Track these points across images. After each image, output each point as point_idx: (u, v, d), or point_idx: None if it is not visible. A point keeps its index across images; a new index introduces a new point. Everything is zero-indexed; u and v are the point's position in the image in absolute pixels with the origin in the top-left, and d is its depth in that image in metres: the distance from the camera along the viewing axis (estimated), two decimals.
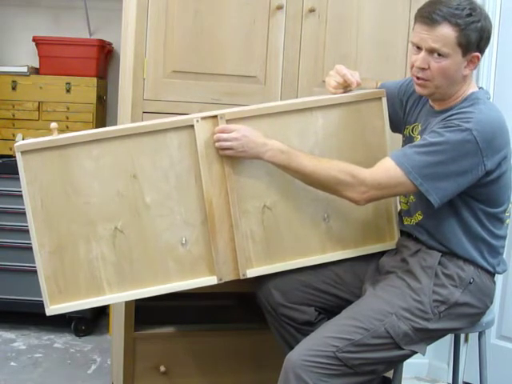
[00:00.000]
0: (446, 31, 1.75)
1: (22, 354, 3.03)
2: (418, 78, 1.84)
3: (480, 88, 1.89)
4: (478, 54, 1.80)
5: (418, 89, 1.86)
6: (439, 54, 1.77)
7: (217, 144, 1.86)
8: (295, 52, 2.30)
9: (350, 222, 1.95)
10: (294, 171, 1.86)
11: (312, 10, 2.28)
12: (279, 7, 2.25)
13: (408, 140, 1.99)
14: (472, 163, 1.76)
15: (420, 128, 1.94)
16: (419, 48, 1.80)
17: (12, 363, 2.93)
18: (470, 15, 1.75)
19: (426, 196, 1.78)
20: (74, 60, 3.42)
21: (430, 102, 1.93)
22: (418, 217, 1.92)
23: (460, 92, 1.85)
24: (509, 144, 1.82)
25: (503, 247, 1.93)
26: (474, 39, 1.77)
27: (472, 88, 1.86)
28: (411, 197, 1.93)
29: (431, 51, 1.78)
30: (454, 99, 1.85)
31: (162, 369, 2.24)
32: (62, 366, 2.93)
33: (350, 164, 1.84)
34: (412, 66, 1.84)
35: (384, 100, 1.97)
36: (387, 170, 1.80)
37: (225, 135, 1.85)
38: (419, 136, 1.92)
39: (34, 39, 3.48)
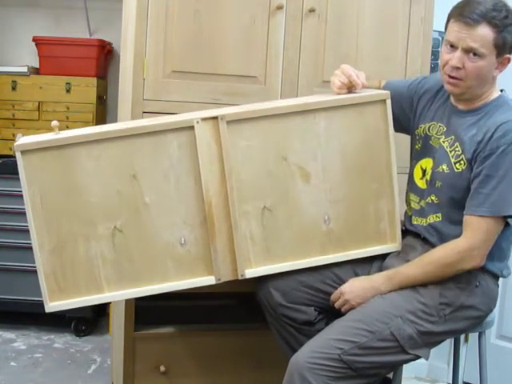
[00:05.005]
0: (485, 32, 1.75)
1: (22, 354, 3.03)
2: (450, 77, 1.82)
3: (501, 90, 1.90)
4: (509, 56, 1.81)
5: (450, 87, 1.85)
6: (475, 54, 1.77)
7: (343, 308, 1.92)
8: (295, 52, 2.30)
9: (351, 225, 1.94)
10: (412, 284, 1.86)
11: (312, 10, 2.28)
12: (279, 7, 2.25)
13: (424, 139, 1.97)
14: None
15: (444, 129, 1.92)
16: (453, 47, 1.80)
17: (12, 363, 2.93)
18: (506, 17, 1.76)
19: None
20: (73, 60, 3.43)
21: (452, 100, 1.92)
22: (435, 218, 1.90)
23: (487, 93, 1.86)
24: None
25: (510, 250, 1.93)
26: (510, 41, 1.78)
27: (496, 90, 1.88)
28: (428, 198, 1.91)
29: (468, 51, 1.77)
30: (481, 100, 1.86)
31: (162, 369, 2.23)
32: (61, 366, 2.93)
33: (445, 244, 1.84)
34: (444, 65, 1.82)
35: (388, 102, 1.93)
36: (477, 229, 1.79)
37: (341, 301, 1.91)
38: (443, 136, 1.91)
39: (34, 39, 3.48)
